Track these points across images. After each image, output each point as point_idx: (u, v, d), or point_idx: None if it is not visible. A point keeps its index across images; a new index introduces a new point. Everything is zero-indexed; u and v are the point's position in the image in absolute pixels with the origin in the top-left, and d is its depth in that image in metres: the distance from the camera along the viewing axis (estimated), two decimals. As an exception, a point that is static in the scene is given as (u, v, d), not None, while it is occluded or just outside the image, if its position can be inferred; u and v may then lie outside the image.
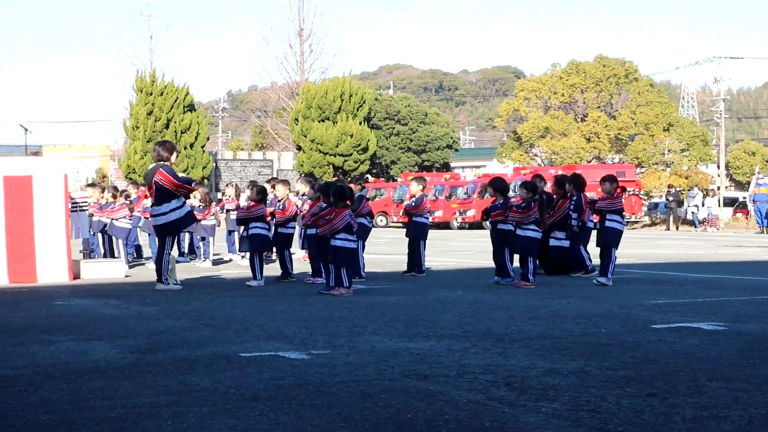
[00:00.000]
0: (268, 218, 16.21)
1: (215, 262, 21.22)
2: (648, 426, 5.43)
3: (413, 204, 17.06)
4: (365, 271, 16.35)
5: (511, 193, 15.67)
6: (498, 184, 15.82)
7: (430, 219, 22.93)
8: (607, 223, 15.04)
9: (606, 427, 5.40)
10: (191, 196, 20.06)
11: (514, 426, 5.46)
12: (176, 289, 14.33)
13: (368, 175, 64.61)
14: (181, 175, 15.02)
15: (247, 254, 16.38)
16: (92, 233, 21.39)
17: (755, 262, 20.83)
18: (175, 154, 14.72)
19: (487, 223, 16.95)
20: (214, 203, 22.49)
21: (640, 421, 5.56)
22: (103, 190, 22.49)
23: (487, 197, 40.31)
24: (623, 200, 15.50)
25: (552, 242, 16.79)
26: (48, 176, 16.37)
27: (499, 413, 5.77)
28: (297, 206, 17.42)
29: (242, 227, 17.96)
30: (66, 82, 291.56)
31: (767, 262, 20.75)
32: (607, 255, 14.85)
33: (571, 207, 16.58)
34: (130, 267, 19.34)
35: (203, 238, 21.30)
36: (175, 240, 14.87)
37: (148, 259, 21.31)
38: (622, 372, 7.09)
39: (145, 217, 19.51)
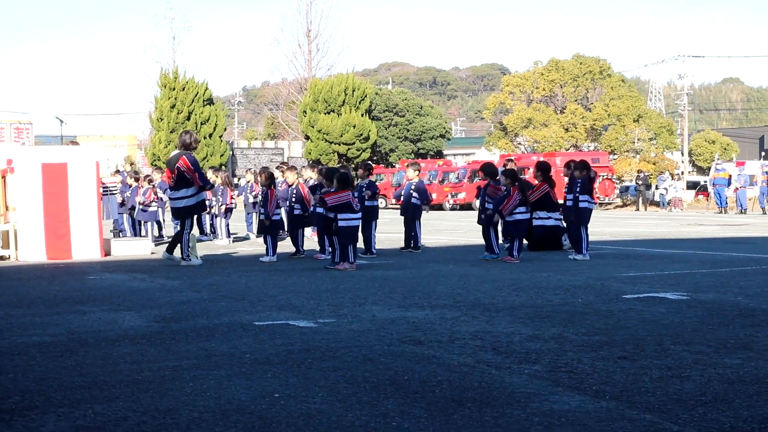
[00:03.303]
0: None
1: (234, 239, 21.23)
2: (619, 385, 5.43)
3: (414, 189, 16.92)
4: (376, 248, 16.32)
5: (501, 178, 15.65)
6: (488, 169, 15.89)
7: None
8: (580, 204, 14.97)
9: (582, 387, 5.40)
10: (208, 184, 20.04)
11: (500, 386, 5.46)
12: (197, 264, 14.34)
13: (369, 162, 64.40)
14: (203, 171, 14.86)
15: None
16: (122, 213, 21.33)
17: (714, 238, 20.79)
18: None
19: (476, 203, 16.94)
20: (231, 187, 22.44)
21: (612, 380, 5.56)
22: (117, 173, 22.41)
23: (476, 181, 40.30)
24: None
25: (535, 222, 16.78)
26: (81, 163, 16.45)
27: (486, 375, 5.77)
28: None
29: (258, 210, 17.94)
30: (97, 78, 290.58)
31: (725, 238, 20.71)
32: (576, 233, 14.82)
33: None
34: (156, 245, 19.31)
35: (226, 215, 21.28)
36: (195, 221, 14.80)
37: (170, 236, 21.22)
38: (597, 337, 7.09)
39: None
